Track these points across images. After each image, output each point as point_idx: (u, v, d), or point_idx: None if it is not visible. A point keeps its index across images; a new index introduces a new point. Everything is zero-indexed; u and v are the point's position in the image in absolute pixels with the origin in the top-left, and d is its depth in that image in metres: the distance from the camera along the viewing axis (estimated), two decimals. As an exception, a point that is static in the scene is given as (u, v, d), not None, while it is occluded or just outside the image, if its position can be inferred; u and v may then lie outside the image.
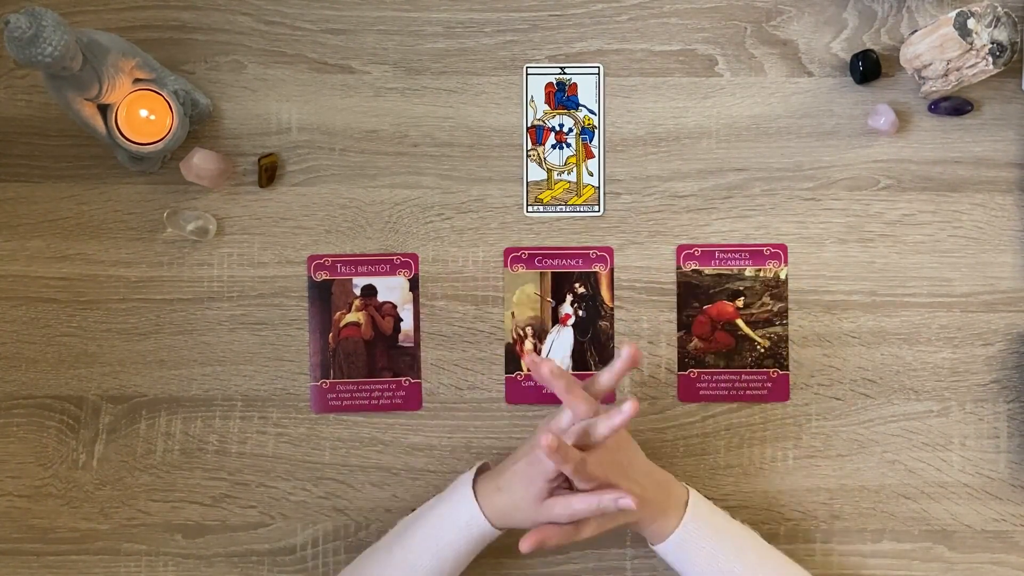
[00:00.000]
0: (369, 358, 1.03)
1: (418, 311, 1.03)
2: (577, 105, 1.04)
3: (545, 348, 1.03)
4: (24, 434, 1.02)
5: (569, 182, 1.03)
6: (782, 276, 1.03)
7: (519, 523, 0.90)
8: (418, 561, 0.91)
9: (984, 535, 1.01)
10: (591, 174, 1.03)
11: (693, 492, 0.93)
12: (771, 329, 1.02)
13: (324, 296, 1.03)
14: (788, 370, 1.02)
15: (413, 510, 0.96)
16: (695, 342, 1.03)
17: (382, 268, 1.03)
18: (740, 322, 1.02)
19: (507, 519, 0.91)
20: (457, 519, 0.91)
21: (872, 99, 1.03)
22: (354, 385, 1.03)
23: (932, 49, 0.97)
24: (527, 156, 1.04)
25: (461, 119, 1.04)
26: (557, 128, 1.04)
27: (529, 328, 1.03)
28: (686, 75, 1.04)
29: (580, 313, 1.03)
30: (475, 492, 0.91)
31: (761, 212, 1.03)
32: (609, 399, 1.01)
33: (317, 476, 1.02)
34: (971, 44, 0.95)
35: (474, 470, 0.94)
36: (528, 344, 1.02)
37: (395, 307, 1.03)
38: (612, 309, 1.03)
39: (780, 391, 1.02)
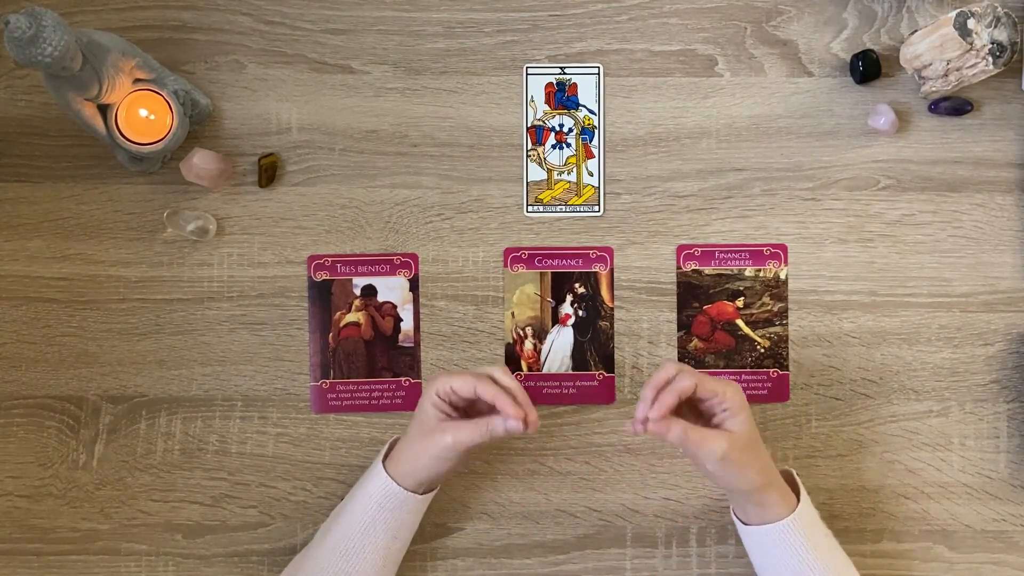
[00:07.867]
0: (369, 358, 1.03)
1: (418, 311, 1.03)
2: (577, 105, 1.04)
3: (545, 348, 1.03)
4: (24, 434, 1.02)
5: (569, 182, 1.03)
6: (782, 276, 1.03)
7: (422, 468, 0.90)
8: (349, 545, 0.91)
9: (984, 535, 1.01)
10: (591, 174, 1.03)
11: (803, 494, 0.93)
12: (771, 329, 1.02)
13: (324, 296, 1.03)
14: (788, 370, 1.02)
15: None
16: (695, 342, 1.03)
17: (382, 268, 1.03)
18: (740, 322, 1.02)
19: (411, 470, 0.91)
20: (372, 492, 0.92)
21: (872, 99, 1.03)
22: (354, 385, 1.02)
23: (932, 49, 0.97)
24: (527, 156, 1.04)
25: (461, 119, 1.04)
26: (557, 128, 1.04)
27: (529, 328, 1.03)
28: (686, 75, 1.04)
29: (580, 313, 1.03)
30: (384, 464, 0.92)
31: (761, 212, 1.03)
32: (611, 398, 1.01)
33: (317, 476, 1.02)
34: (971, 44, 0.95)
35: (385, 448, 0.94)
36: (528, 344, 1.02)
37: (395, 307, 1.03)
38: (612, 309, 1.03)
39: (780, 391, 1.02)
